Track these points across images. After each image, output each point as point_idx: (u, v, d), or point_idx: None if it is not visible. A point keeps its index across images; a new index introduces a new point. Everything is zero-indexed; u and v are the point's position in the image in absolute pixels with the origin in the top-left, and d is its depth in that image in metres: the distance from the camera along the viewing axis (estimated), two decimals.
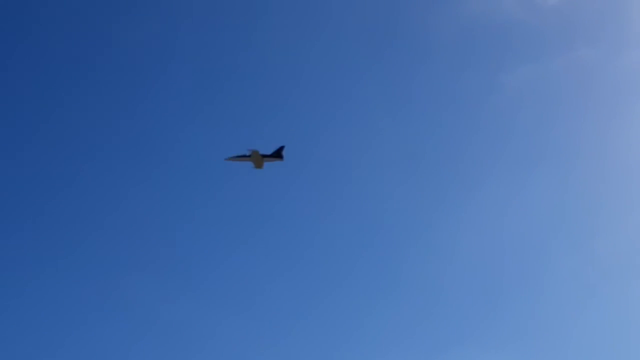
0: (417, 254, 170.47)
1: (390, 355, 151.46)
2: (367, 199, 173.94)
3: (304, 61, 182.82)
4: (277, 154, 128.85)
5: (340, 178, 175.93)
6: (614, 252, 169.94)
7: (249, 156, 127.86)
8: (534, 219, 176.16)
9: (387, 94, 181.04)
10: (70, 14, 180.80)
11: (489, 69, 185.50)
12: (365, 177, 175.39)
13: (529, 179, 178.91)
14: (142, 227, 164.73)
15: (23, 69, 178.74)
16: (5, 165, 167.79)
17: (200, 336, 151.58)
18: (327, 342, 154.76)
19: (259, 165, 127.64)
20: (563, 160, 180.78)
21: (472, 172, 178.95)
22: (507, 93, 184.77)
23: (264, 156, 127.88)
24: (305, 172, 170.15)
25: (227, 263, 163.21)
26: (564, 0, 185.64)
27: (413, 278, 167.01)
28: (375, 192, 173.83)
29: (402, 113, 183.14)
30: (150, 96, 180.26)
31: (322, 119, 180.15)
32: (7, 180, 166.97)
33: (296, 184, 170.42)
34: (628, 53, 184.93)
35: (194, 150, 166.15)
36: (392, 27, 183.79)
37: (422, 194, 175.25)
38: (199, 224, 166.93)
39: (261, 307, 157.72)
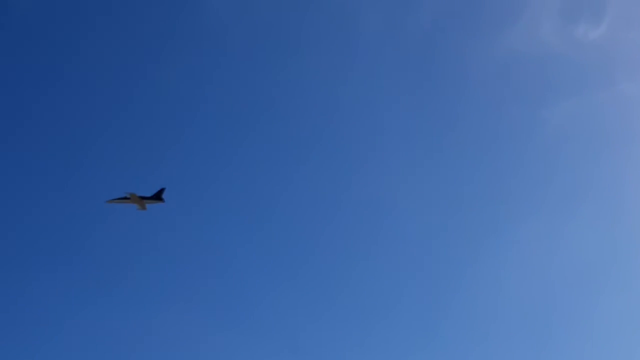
0: (463, 290, 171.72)
1: None
2: (412, 235, 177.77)
3: (341, 97, 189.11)
4: (157, 197, 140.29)
5: (387, 215, 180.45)
6: None
7: (129, 198, 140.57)
8: (581, 255, 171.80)
9: (428, 130, 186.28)
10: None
11: (530, 104, 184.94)
12: (411, 213, 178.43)
13: (575, 215, 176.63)
14: (174, 261, 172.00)
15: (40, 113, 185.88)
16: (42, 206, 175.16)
17: None
18: None
19: (142, 207, 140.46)
20: (610, 195, 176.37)
21: (518, 208, 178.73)
22: (550, 128, 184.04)
23: (143, 198, 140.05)
24: (341, 211, 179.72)
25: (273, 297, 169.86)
26: (605, 35, 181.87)
27: (459, 315, 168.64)
28: (420, 229, 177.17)
29: (444, 150, 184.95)
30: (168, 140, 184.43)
31: (359, 156, 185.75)
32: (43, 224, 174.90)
33: (336, 221, 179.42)
34: None
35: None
36: (431, 63, 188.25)
37: (467, 230, 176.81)
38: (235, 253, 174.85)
39: (303, 343, 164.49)
